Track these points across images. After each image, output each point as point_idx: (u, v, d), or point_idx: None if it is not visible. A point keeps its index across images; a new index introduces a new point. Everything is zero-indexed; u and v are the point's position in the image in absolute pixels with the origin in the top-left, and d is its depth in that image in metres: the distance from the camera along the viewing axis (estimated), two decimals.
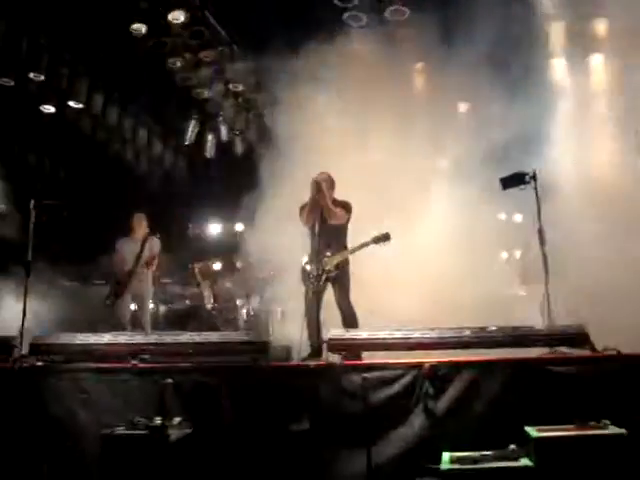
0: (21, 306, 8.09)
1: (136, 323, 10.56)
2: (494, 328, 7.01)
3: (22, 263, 8.83)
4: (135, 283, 10.53)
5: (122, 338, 7.78)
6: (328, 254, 8.46)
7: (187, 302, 13.58)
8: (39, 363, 7.64)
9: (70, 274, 12.09)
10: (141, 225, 10.85)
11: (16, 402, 6.93)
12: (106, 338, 7.74)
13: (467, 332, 6.95)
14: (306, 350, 8.22)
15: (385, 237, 8.49)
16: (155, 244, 10.82)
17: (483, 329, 7.03)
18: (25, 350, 7.81)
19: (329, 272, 8.43)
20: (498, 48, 10.61)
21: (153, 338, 7.70)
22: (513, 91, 10.90)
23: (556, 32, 11.66)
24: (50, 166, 13.40)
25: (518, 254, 12.38)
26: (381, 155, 11.20)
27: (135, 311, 10.71)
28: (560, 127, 11.54)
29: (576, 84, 11.80)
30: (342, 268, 8.50)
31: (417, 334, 7.02)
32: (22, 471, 6.70)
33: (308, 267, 8.55)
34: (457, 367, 6.64)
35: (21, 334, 8.02)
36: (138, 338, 7.83)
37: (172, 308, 13.35)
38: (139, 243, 10.66)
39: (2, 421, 6.87)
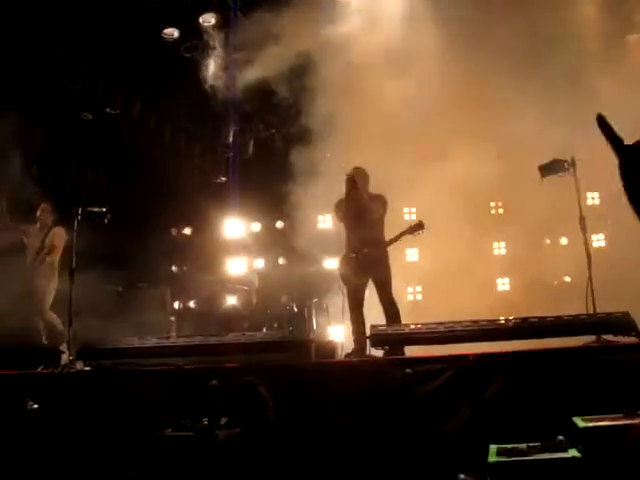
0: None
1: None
2: (537, 318, 6.95)
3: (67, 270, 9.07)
4: (36, 278, 9.77)
5: (167, 341, 7.89)
6: (366, 250, 8.42)
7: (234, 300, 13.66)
8: (87, 368, 7.79)
9: (115, 278, 12.20)
10: (45, 216, 10.09)
11: (64, 408, 7.04)
12: (152, 341, 7.86)
13: (510, 323, 6.91)
14: (350, 346, 8.26)
15: (419, 225, 8.49)
16: (58, 234, 9.94)
17: (526, 319, 6.99)
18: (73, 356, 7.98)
19: (368, 267, 8.39)
20: None
21: (197, 340, 7.78)
22: None
23: None
24: (92, 173, 13.54)
25: (564, 241, 12.21)
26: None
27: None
28: None
29: None
30: (381, 262, 8.45)
31: (460, 327, 7.01)
32: None
33: (346, 264, 8.53)
34: (501, 359, 6.61)
35: (68, 341, 8.18)
36: (182, 340, 7.93)
37: (218, 307, 13.43)
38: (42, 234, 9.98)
39: (52, 427, 6.98)
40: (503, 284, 11.11)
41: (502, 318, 7.08)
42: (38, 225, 10.08)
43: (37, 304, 9.79)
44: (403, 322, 8.14)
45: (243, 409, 6.72)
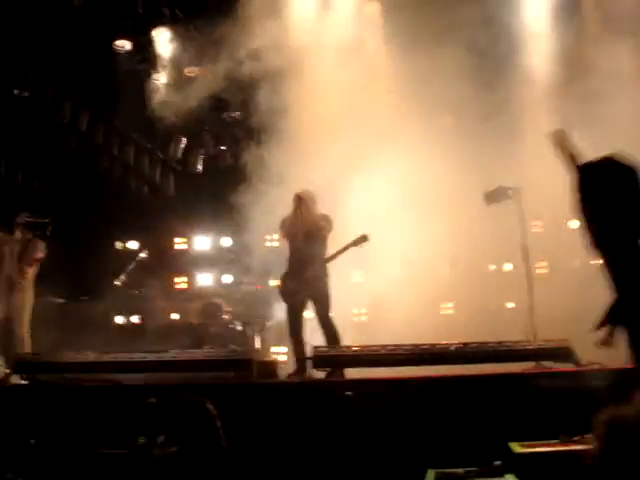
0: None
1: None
2: (478, 343, 7.03)
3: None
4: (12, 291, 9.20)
5: (107, 357, 7.78)
6: (306, 268, 8.40)
7: (173, 317, 13.57)
8: (23, 382, 7.64)
9: (57, 291, 12.02)
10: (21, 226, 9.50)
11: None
12: (91, 357, 7.74)
13: (451, 347, 6.98)
14: (291, 366, 8.26)
15: (363, 238, 8.48)
16: (38, 246, 9.44)
17: (467, 344, 7.06)
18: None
19: (308, 287, 8.39)
20: None
21: (137, 356, 7.69)
22: None
23: None
24: (37, 183, 13.36)
25: (508, 267, 12.36)
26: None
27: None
28: None
29: None
30: (321, 282, 8.46)
31: (401, 350, 7.05)
32: None
33: (288, 282, 8.53)
34: (441, 383, 6.65)
35: (6, 353, 8.02)
36: (122, 356, 7.82)
37: (159, 324, 13.32)
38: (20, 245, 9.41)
39: None
40: (447, 308, 11.17)
41: (443, 342, 7.12)
42: (17, 234, 9.45)
43: (16, 317, 9.20)
44: (346, 344, 8.16)
45: (190, 426, 6.65)
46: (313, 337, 8.54)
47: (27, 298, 9.32)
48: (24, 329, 9.17)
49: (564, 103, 10.25)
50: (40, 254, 9.42)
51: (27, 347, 9.02)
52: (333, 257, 8.53)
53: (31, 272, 9.38)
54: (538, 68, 11.42)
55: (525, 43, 11.48)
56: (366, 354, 7.21)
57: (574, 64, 10.82)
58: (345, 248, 8.50)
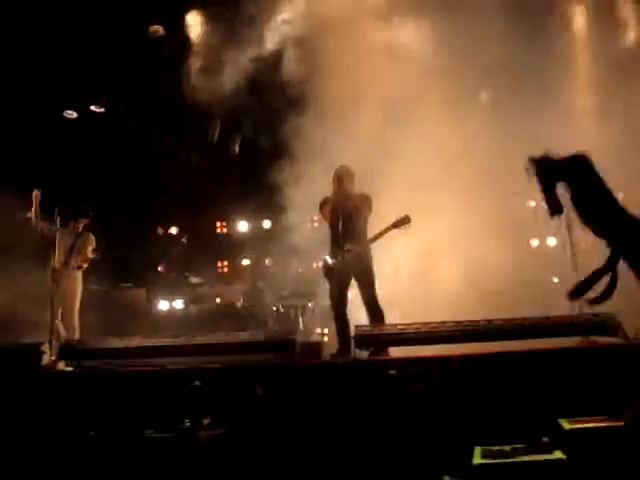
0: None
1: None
2: (523, 318, 6.93)
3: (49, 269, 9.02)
4: (64, 281, 9.42)
5: (151, 342, 7.83)
6: (349, 248, 8.35)
7: (217, 301, 13.68)
8: (69, 368, 7.73)
9: (100, 278, 12.15)
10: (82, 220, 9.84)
11: (45, 408, 6.98)
12: (135, 342, 7.80)
13: (495, 324, 6.89)
14: (334, 347, 8.24)
15: (405, 220, 8.36)
16: (89, 240, 9.78)
17: (511, 320, 6.97)
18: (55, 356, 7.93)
19: (351, 266, 8.34)
20: None
21: (182, 340, 7.73)
22: None
23: None
24: (74, 171, 13.45)
25: (552, 241, 12.22)
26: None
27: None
28: None
29: None
30: (365, 261, 8.41)
31: (444, 327, 6.98)
32: None
33: (330, 262, 8.51)
34: (487, 359, 6.57)
35: (50, 340, 8.12)
36: (166, 340, 7.86)
37: (203, 308, 13.44)
38: (73, 237, 9.70)
39: (33, 427, 6.91)
40: (490, 283, 11.04)
41: (487, 319, 7.03)
42: (72, 226, 9.74)
43: (67, 306, 9.50)
44: (388, 322, 8.11)
45: (226, 409, 6.70)
46: (357, 316, 8.48)
47: (77, 287, 9.60)
48: (74, 317, 9.46)
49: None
50: (92, 248, 9.74)
51: (76, 334, 9.28)
52: (375, 238, 8.44)
53: (86, 265, 9.70)
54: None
55: None
56: (409, 332, 7.14)
57: None
58: (386, 230, 8.40)
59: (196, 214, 14.74)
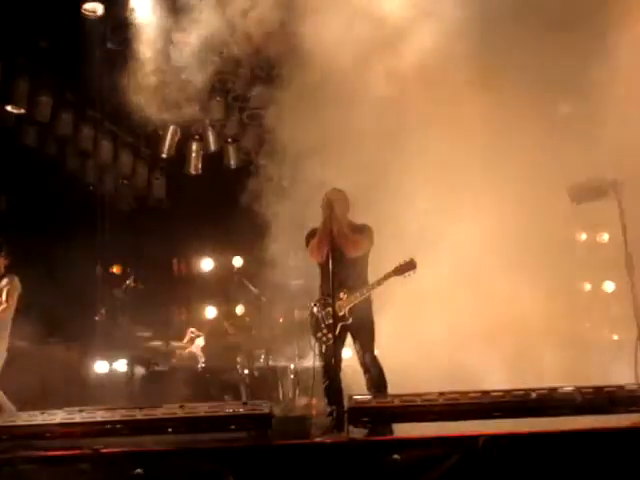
0: None
1: None
2: (570, 388, 6.85)
3: None
4: None
5: (80, 416, 7.70)
6: (343, 295, 8.40)
7: (173, 361, 13.59)
8: None
9: (18, 331, 12.08)
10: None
11: None
12: (59, 417, 7.67)
13: (533, 395, 6.82)
14: (324, 422, 8.22)
15: (410, 265, 8.46)
16: (12, 284, 9.99)
17: (555, 389, 6.90)
18: None
19: (345, 319, 8.34)
20: None
21: (119, 414, 7.61)
22: None
23: None
24: None
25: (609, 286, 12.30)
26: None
27: None
28: None
29: None
30: (362, 312, 8.44)
31: (466, 399, 6.91)
32: None
33: (319, 313, 8.47)
34: (524, 441, 6.48)
35: None
36: (101, 415, 7.75)
37: (153, 370, 13.33)
38: None
39: None
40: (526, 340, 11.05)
41: (522, 389, 6.97)
42: None
43: None
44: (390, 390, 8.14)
45: None
46: (352, 383, 8.51)
47: (2, 347, 9.89)
48: None
49: None
50: (17, 294, 9.93)
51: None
52: (371, 288, 8.56)
53: (6, 316, 9.86)
54: None
55: None
56: (419, 404, 7.04)
57: None
58: (387, 276, 8.56)
59: (144, 249, 14.66)
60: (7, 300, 9.86)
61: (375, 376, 8.31)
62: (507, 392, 6.96)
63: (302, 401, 11.05)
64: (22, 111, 12.99)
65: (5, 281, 9.94)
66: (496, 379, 7.96)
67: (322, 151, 10.90)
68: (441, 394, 7.11)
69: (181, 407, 7.84)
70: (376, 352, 8.50)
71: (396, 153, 10.95)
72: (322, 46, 10.92)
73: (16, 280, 9.98)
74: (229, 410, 7.83)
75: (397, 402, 7.26)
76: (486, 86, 10.67)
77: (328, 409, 8.35)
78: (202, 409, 7.93)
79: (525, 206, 10.57)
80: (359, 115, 10.94)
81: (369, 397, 7.69)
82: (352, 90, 11.18)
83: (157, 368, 13.25)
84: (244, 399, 11.48)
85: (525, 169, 10.54)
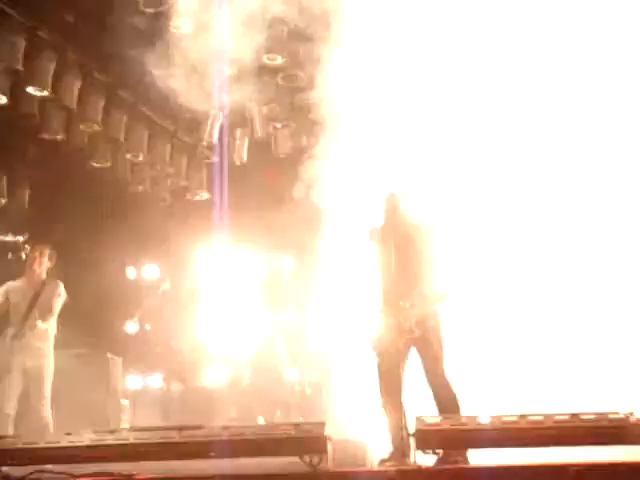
0: None
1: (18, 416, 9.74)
2: None
3: None
4: (26, 347, 9.86)
5: (112, 438, 7.71)
6: (408, 305, 8.26)
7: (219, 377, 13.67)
8: None
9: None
10: (41, 263, 10.26)
11: None
12: (87, 438, 7.68)
13: (633, 418, 6.71)
14: (385, 448, 8.13)
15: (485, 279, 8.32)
16: (55, 290, 10.19)
17: None
18: None
19: (411, 332, 8.26)
20: None
21: (155, 436, 7.61)
22: None
23: None
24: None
25: None
26: None
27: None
28: None
29: None
30: (430, 325, 8.32)
31: (552, 422, 6.81)
32: None
33: (380, 322, 8.40)
34: (621, 473, 6.36)
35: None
36: (135, 437, 7.75)
37: (192, 386, 13.41)
38: (34, 288, 10.12)
39: None
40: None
41: (617, 412, 6.87)
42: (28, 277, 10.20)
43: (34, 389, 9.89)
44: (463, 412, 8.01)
45: None
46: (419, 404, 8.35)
47: (47, 363, 10.00)
48: (43, 403, 9.89)
49: None
50: (56, 299, 10.07)
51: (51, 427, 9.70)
52: (443, 298, 8.43)
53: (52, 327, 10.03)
54: None
55: None
56: (498, 428, 6.97)
57: None
58: (457, 289, 8.46)
59: (182, 248, 14.70)
60: (55, 311, 10.06)
61: (444, 399, 8.16)
62: (601, 415, 6.85)
63: (360, 421, 11.05)
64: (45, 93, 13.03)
65: (51, 288, 10.10)
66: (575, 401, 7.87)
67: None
68: (522, 416, 7.03)
69: (225, 428, 7.84)
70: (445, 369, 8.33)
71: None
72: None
73: (61, 287, 10.14)
74: (279, 432, 7.82)
75: (473, 425, 7.19)
76: None
77: (390, 432, 8.23)
78: (249, 431, 7.92)
79: None
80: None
81: (440, 418, 7.62)
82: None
83: (196, 384, 13.33)
84: (296, 419, 11.45)
85: None
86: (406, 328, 8.19)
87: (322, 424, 7.58)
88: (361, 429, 10.07)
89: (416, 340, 8.26)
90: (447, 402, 8.15)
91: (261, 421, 12.11)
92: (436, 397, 8.21)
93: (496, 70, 11.11)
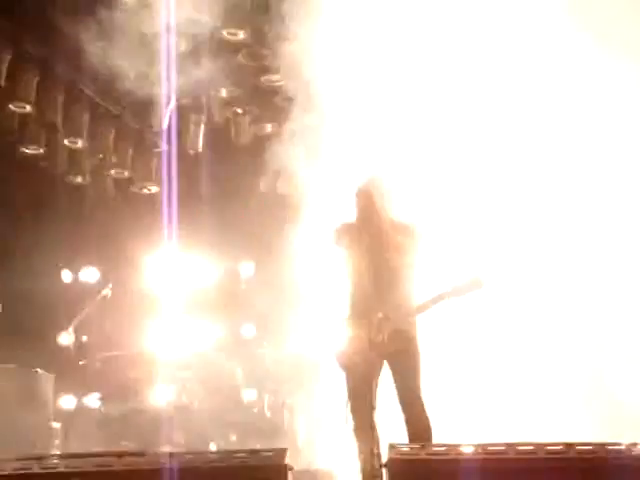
0: None
1: None
2: None
3: None
4: None
5: (39, 466, 7.67)
6: (382, 315, 8.20)
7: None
8: None
9: None
10: None
11: None
12: (11, 467, 7.63)
13: (634, 450, 6.75)
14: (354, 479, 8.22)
15: (474, 284, 8.27)
16: None
17: None
18: None
19: (384, 346, 8.24)
20: None
21: (91, 464, 7.57)
22: None
23: None
24: None
25: None
26: None
27: None
28: None
29: None
30: (407, 339, 8.30)
31: (543, 453, 6.83)
32: None
33: (349, 335, 8.38)
34: None
35: None
36: (66, 465, 7.72)
37: (134, 407, 13.37)
38: None
39: None
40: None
41: (617, 443, 6.91)
42: None
43: None
44: (439, 440, 8.02)
45: None
46: (391, 429, 8.38)
47: None
48: None
49: None
50: None
51: None
52: (423, 308, 8.35)
53: None
54: None
55: None
56: (481, 458, 6.97)
57: None
58: (441, 297, 8.28)
59: (125, 249, 14.69)
60: None
61: (416, 423, 8.20)
62: (599, 446, 6.87)
63: (326, 449, 11.07)
64: None
65: None
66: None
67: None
68: (510, 445, 7.04)
69: (172, 455, 7.83)
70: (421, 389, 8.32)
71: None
72: None
73: None
74: (234, 460, 7.81)
75: (454, 455, 7.19)
76: None
77: (360, 462, 8.24)
78: (199, 458, 7.91)
79: None
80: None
81: (417, 447, 7.62)
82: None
83: (138, 405, 13.28)
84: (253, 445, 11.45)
85: None
86: (378, 341, 8.18)
87: (283, 451, 7.57)
88: (327, 457, 10.11)
89: (390, 355, 8.27)
90: (418, 428, 8.19)
91: (213, 447, 12.09)
92: (409, 420, 8.24)
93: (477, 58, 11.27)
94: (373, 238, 8.37)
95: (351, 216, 8.56)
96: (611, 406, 10.31)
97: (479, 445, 7.09)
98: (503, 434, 7.98)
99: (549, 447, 6.95)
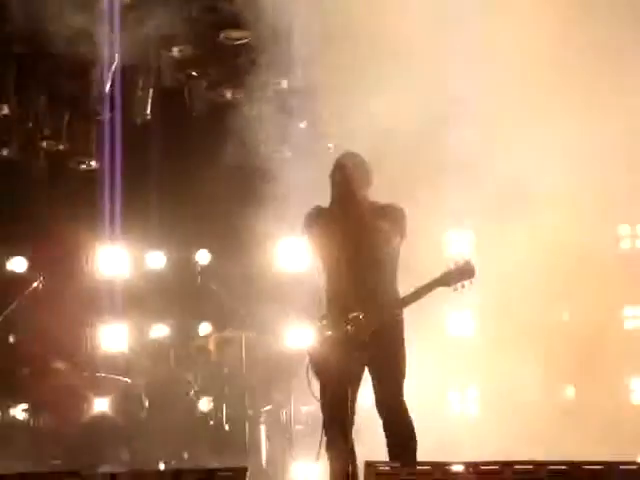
0: None
1: None
2: None
3: None
4: None
5: None
6: (361, 313, 8.19)
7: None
8: None
9: None
10: None
11: None
12: None
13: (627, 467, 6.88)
14: None
15: (464, 272, 8.26)
16: None
17: None
18: None
19: (364, 347, 8.24)
20: None
21: None
22: None
23: None
24: None
25: None
26: None
27: None
28: None
29: None
30: (390, 338, 8.32)
31: (545, 472, 6.93)
32: None
33: (325, 336, 8.36)
34: None
35: None
36: None
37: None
38: None
39: None
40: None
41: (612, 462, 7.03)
42: None
43: None
44: (426, 456, 8.03)
45: None
46: (370, 442, 8.48)
47: None
48: None
49: None
50: None
51: None
52: (408, 300, 8.35)
53: None
54: None
55: None
56: (465, 475, 7.08)
57: None
58: (431, 285, 8.26)
59: (61, 236, 14.72)
60: None
61: (398, 430, 8.20)
62: (610, 465, 6.97)
63: (293, 466, 11.13)
64: None
65: None
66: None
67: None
68: (506, 464, 7.12)
69: (113, 476, 7.89)
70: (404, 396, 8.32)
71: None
72: None
73: None
74: (192, 475, 7.89)
75: (439, 474, 7.27)
76: None
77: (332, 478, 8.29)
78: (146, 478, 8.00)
79: None
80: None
81: (397, 466, 7.69)
82: None
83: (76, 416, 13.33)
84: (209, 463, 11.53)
85: None
86: (357, 343, 8.20)
87: (243, 470, 7.65)
88: (294, 476, 10.17)
89: (371, 358, 8.32)
90: (400, 435, 8.22)
91: (162, 467, 12.13)
92: (390, 432, 8.26)
93: None
94: (350, 223, 8.38)
95: (326, 200, 8.57)
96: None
97: (470, 464, 7.18)
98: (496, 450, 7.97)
99: (551, 467, 7.06)
